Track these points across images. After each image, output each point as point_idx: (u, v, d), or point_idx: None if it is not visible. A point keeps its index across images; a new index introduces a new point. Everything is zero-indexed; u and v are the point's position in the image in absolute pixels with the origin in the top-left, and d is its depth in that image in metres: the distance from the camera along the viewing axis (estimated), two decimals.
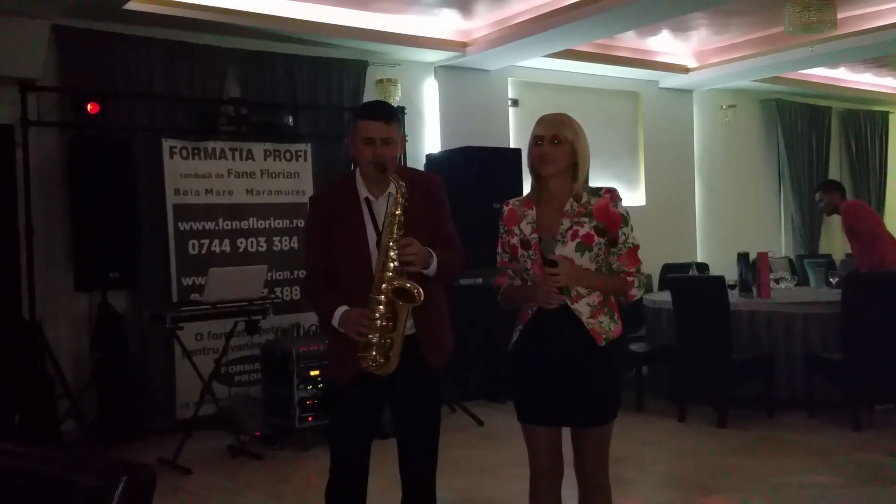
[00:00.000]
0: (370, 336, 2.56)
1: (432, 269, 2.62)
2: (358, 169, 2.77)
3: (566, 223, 2.61)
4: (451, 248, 2.74)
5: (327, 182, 6.29)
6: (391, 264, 2.54)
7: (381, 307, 2.55)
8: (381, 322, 2.55)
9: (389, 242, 2.55)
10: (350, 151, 2.78)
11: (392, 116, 2.70)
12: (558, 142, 2.60)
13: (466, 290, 6.20)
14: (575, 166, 2.63)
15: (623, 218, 2.64)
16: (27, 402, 5.05)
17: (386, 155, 2.63)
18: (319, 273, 2.79)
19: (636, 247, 2.67)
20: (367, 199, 2.73)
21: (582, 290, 2.61)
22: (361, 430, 2.78)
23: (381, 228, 2.65)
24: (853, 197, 11.37)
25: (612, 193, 2.66)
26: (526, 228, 2.65)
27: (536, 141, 2.63)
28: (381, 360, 2.58)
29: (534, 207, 2.68)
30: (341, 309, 2.64)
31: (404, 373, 2.67)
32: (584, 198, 2.64)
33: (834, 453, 4.82)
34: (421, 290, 2.53)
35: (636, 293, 2.66)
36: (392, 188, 2.66)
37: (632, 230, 2.66)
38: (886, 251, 6.03)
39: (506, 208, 2.75)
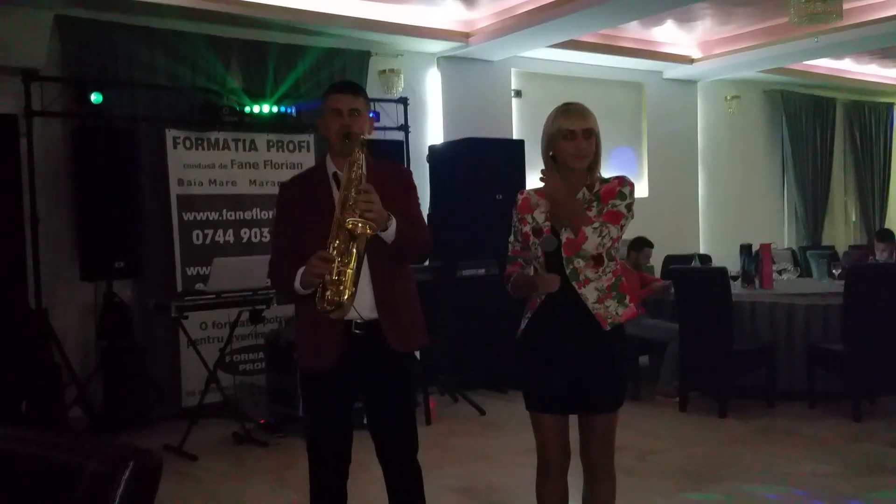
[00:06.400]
0: (326, 276, 2.44)
1: (391, 232, 2.54)
2: (329, 149, 2.74)
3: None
4: (416, 226, 2.69)
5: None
6: (350, 215, 2.43)
7: (337, 241, 2.44)
8: (336, 255, 2.43)
9: (351, 192, 2.45)
10: (321, 131, 2.77)
11: (359, 91, 2.72)
12: (590, 135, 2.60)
13: (469, 280, 6.21)
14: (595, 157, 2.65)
15: (620, 193, 2.61)
16: (34, 389, 5.08)
17: (353, 125, 2.62)
18: (283, 256, 2.71)
19: (621, 214, 2.61)
20: (335, 175, 2.68)
21: (591, 275, 2.59)
22: (343, 425, 2.73)
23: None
24: (857, 187, 11.38)
25: (621, 179, 2.66)
26: (539, 217, 2.66)
27: (567, 135, 2.59)
28: (336, 299, 2.43)
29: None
30: (301, 269, 2.53)
31: (370, 357, 2.64)
32: (596, 186, 2.66)
33: (834, 444, 4.83)
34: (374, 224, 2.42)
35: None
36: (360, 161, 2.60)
37: (628, 209, 2.61)
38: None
39: (520, 197, 2.75)
